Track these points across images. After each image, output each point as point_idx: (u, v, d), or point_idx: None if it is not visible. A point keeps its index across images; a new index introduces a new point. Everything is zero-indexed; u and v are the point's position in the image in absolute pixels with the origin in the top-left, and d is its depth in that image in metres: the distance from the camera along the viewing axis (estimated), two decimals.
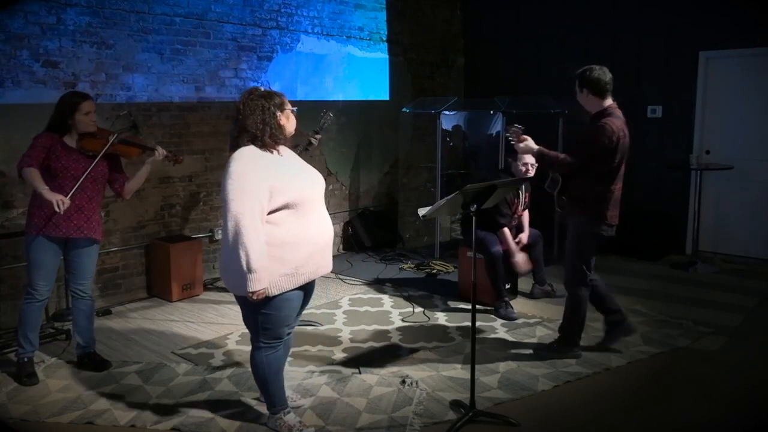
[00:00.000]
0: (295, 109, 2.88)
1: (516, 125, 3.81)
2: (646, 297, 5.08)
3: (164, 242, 5.11)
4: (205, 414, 3.19)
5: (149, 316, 4.73)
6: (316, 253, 2.80)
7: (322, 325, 4.50)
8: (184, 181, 5.40)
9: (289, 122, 2.84)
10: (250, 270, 2.60)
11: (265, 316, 2.81)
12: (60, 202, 3.23)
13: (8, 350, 3.87)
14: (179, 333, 4.37)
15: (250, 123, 2.75)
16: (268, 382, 2.94)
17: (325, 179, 2.96)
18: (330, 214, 2.97)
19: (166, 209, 5.31)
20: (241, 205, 2.59)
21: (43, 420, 3.14)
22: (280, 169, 2.74)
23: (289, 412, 3.01)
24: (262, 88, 2.86)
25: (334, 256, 6.27)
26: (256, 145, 2.76)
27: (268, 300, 2.73)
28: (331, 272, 5.85)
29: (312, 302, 4.99)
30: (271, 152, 2.77)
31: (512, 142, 3.84)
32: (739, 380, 3.59)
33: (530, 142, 3.77)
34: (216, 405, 3.28)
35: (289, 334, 3.07)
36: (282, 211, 2.70)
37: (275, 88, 5.82)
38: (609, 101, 3.68)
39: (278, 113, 2.78)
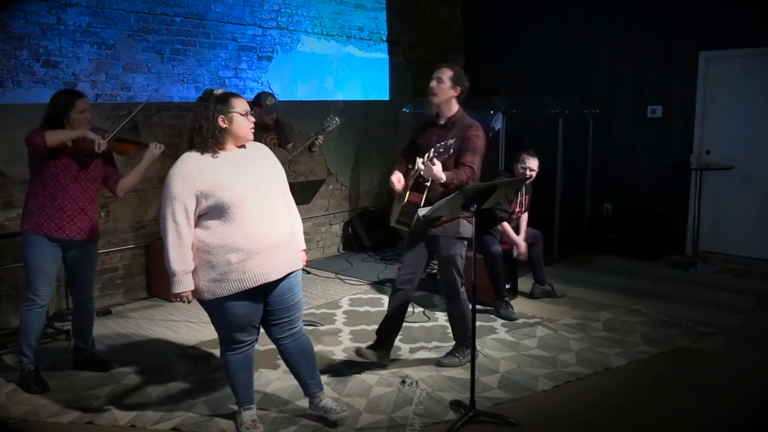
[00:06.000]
0: (244, 111, 2.72)
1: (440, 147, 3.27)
2: (646, 297, 5.07)
3: None
4: (205, 414, 3.19)
5: (149, 316, 4.73)
6: (250, 259, 2.66)
7: (322, 325, 4.50)
8: None
9: (233, 125, 2.68)
10: (168, 272, 2.66)
11: (214, 320, 2.85)
12: (101, 142, 3.30)
13: (7, 350, 3.86)
14: (179, 333, 4.37)
15: (191, 126, 2.73)
16: (229, 380, 3.00)
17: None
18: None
19: None
20: (163, 208, 2.64)
21: (43, 420, 3.14)
22: (212, 172, 2.64)
23: (248, 409, 3.02)
24: (218, 91, 2.75)
25: (334, 256, 6.43)
26: (194, 147, 2.71)
27: (207, 304, 2.76)
28: (331, 272, 5.92)
29: (312, 302, 5.06)
30: (211, 155, 2.68)
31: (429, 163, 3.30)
32: (740, 380, 3.59)
33: (438, 167, 3.28)
34: (216, 405, 3.28)
35: (262, 339, 3.02)
36: (212, 215, 2.64)
37: (275, 88, 5.86)
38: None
39: (219, 116, 2.67)
